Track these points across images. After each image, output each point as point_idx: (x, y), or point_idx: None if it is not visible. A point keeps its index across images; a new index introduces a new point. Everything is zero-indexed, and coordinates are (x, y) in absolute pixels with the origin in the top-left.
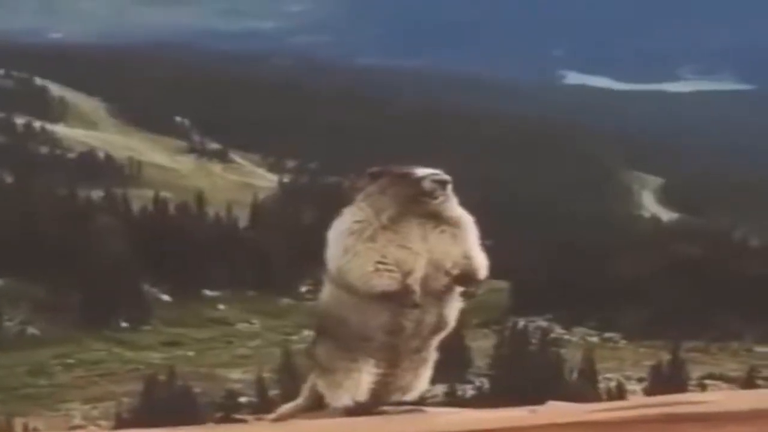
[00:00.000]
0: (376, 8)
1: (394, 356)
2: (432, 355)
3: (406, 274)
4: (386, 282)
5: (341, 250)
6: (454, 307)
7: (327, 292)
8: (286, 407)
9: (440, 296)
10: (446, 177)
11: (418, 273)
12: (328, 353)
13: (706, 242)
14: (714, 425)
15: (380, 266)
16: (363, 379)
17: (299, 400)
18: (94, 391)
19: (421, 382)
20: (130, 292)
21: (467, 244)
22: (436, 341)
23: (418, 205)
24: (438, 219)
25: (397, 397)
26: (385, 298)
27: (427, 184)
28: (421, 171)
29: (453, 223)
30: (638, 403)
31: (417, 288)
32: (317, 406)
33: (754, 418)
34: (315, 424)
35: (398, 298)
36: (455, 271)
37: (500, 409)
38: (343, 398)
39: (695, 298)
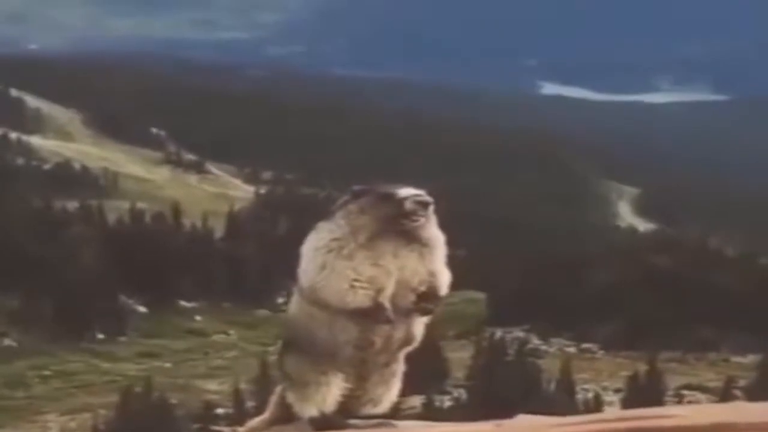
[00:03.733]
0: (350, 19)
1: (363, 370)
2: (401, 368)
3: (378, 291)
4: (360, 299)
5: (318, 266)
6: (420, 322)
7: (296, 305)
8: (255, 421)
9: (408, 312)
10: (428, 198)
11: (389, 290)
12: (297, 366)
13: (683, 252)
14: None
15: (355, 284)
16: (331, 392)
17: (265, 414)
18: (71, 403)
19: (391, 394)
20: (107, 304)
21: (434, 262)
22: (403, 354)
23: (396, 226)
24: (411, 238)
25: (368, 409)
26: (359, 314)
27: (408, 205)
28: (403, 192)
29: (424, 243)
30: (606, 417)
31: (388, 305)
32: (285, 419)
33: None
34: None
35: (371, 315)
36: (421, 288)
37: (467, 423)
38: (311, 410)
39: (672, 309)
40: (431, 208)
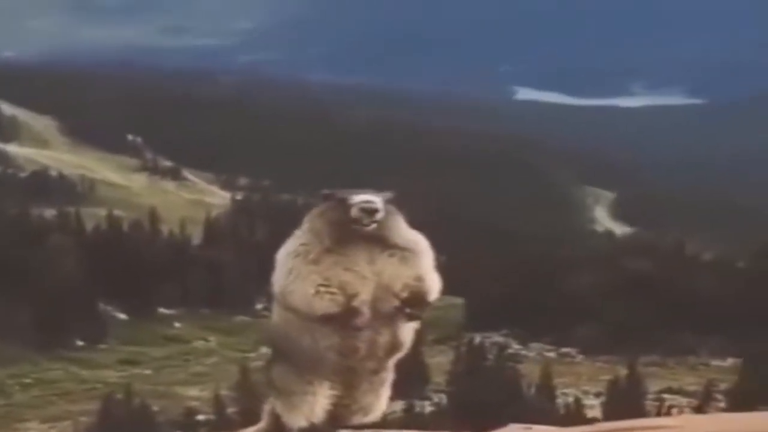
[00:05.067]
0: (323, 26)
1: (351, 378)
2: (390, 376)
3: (351, 296)
4: (326, 304)
5: (286, 271)
6: (408, 328)
7: (277, 313)
8: (249, 431)
9: (391, 318)
10: (375, 206)
11: (365, 295)
12: (284, 376)
13: (661, 257)
14: None
15: (321, 289)
16: (318, 402)
17: (260, 424)
18: (51, 411)
19: (381, 402)
20: (86, 311)
21: (419, 267)
22: (392, 362)
23: (351, 230)
24: (385, 243)
25: (358, 418)
26: (327, 320)
27: (354, 212)
28: (355, 198)
29: (402, 247)
30: (600, 429)
31: (365, 310)
32: (277, 429)
33: None
34: None
35: (341, 320)
36: (404, 294)
37: None
38: (299, 420)
39: (651, 313)
40: (378, 215)
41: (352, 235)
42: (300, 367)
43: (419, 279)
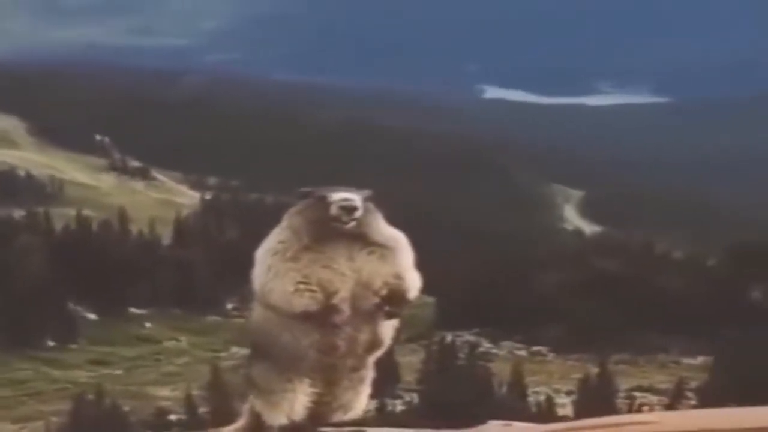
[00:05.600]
0: (289, 25)
1: (330, 375)
2: (369, 373)
3: (330, 294)
4: (306, 302)
5: (264, 269)
6: (388, 326)
7: (256, 311)
8: (227, 429)
9: (371, 315)
10: (355, 204)
11: (345, 293)
12: (264, 374)
13: (630, 255)
14: None
15: (301, 286)
16: (299, 399)
17: (239, 423)
18: (22, 411)
19: (362, 400)
20: (56, 311)
21: (399, 265)
22: (372, 359)
23: (330, 228)
24: (364, 240)
25: (339, 416)
26: (307, 317)
27: (333, 210)
28: (335, 195)
29: (382, 245)
30: (582, 425)
31: (344, 307)
32: (257, 427)
33: None
34: None
35: (320, 318)
36: (383, 292)
37: (447, 431)
38: (280, 418)
39: (620, 312)
40: (357, 212)
41: (331, 232)
42: (280, 365)
43: (398, 277)
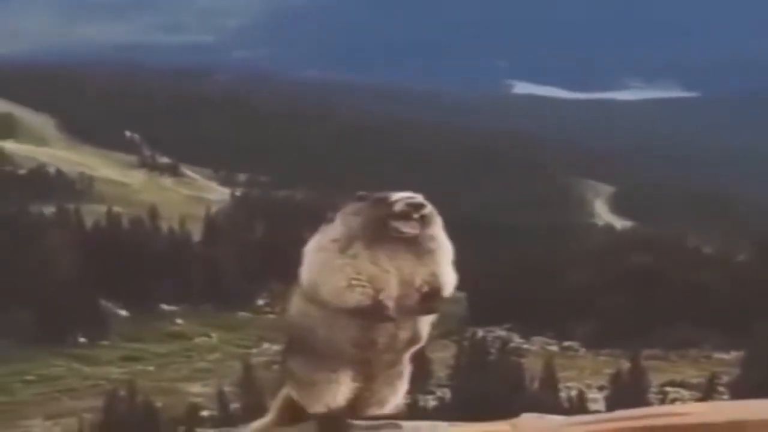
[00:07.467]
0: (315, 22)
1: (368, 370)
2: (407, 369)
3: (378, 290)
4: (359, 297)
5: (316, 265)
6: (426, 322)
7: (295, 306)
8: (256, 424)
9: (412, 312)
10: (421, 200)
11: (391, 290)
12: (304, 366)
13: (661, 250)
14: None
15: (354, 282)
16: (341, 390)
17: (269, 417)
18: (55, 408)
19: (398, 395)
20: (87, 308)
21: (436, 263)
22: (408, 355)
23: (388, 228)
24: (408, 241)
25: (374, 411)
26: (358, 313)
27: (399, 206)
28: (397, 195)
29: (420, 244)
30: (616, 416)
31: (390, 304)
32: (287, 421)
33: (732, 430)
34: None
35: (371, 314)
36: (425, 289)
37: (482, 423)
38: (320, 407)
39: (652, 307)
40: (426, 209)
41: (384, 233)
42: (321, 358)
43: (434, 274)
